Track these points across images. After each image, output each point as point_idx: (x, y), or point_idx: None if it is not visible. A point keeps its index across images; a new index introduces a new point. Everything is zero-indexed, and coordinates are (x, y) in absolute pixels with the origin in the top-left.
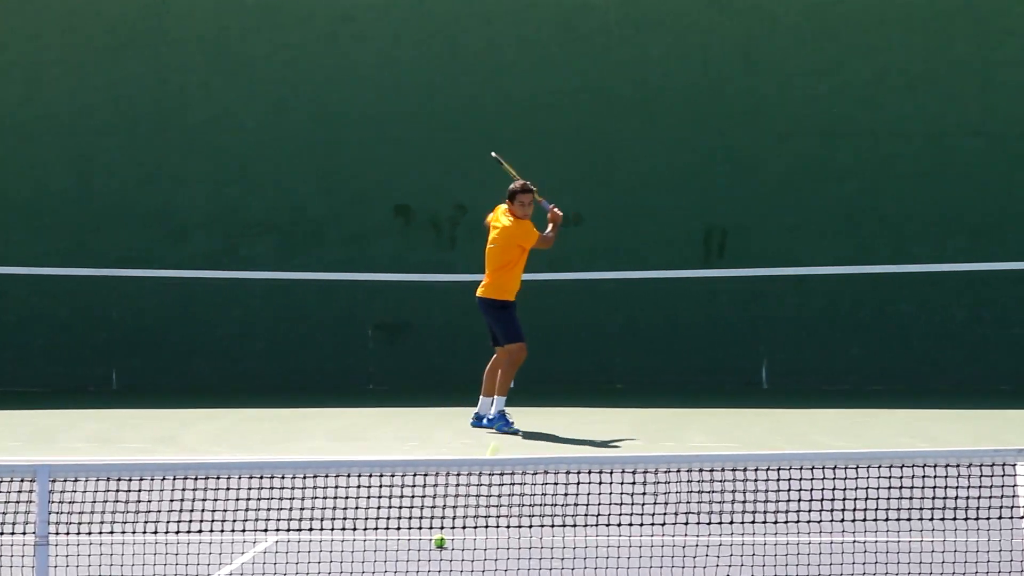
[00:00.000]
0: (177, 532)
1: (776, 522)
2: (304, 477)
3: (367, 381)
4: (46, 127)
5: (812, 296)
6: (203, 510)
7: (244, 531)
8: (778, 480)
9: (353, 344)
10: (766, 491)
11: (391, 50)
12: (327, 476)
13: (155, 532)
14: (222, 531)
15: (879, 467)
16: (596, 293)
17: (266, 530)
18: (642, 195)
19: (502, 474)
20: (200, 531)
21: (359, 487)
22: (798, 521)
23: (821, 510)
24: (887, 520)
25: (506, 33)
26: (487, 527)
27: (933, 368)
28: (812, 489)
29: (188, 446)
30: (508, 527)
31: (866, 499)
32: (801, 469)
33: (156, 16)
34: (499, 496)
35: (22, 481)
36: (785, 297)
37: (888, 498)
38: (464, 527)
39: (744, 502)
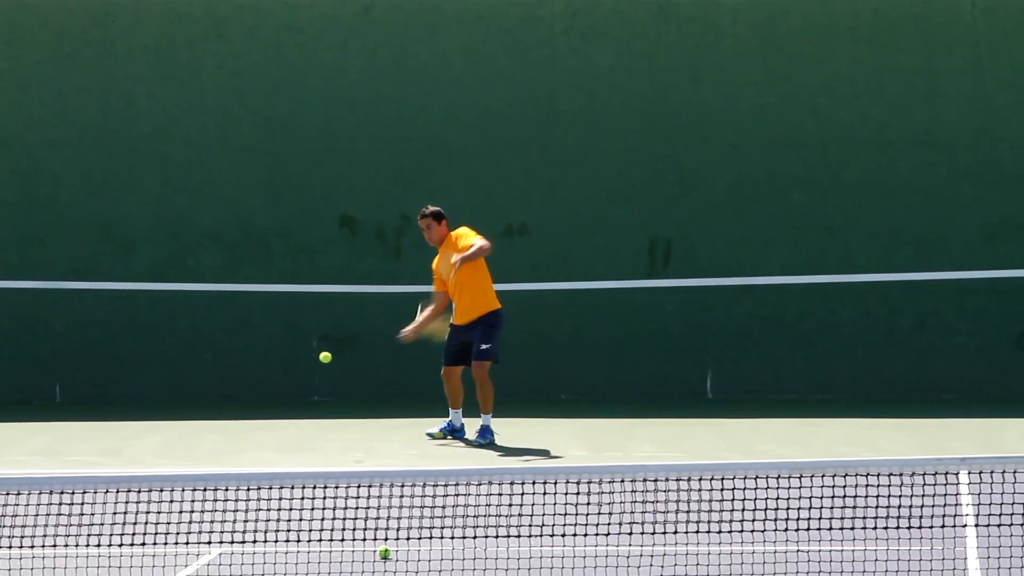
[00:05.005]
0: (121, 545)
1: (720, 531)
2: (248, 489)
3: (313, 393)
4: None
5: (758, 306)
6: (147, 523)
7: (188, 543)
8: (722, 490)
9: (299, 356)
10: (710, 500)
11: (338, 61)
12: (271, 488)
13: (99, 545)
14: (166, 544)
15: (823, 476)
16: (542, 304)
17: (210, 543)
18: (588, 206)
19: (446, 485)
20: (144, 544)
21: (303, 499)
22: (742, 531)
23: (765, 519)
24: (831, 529)
25: (452, 44)
26: (432, 538)
27: (878, 377)
28: (756, 499)
29: (133, 459)
30: (453, 538)
31: (810, 508)
32: (745, 479)
33: (102, 27)
34: (444, 507)
35: None
36: (731, 307)
37: (832, 507)
38: (409, 538)
39: (688, 512)
